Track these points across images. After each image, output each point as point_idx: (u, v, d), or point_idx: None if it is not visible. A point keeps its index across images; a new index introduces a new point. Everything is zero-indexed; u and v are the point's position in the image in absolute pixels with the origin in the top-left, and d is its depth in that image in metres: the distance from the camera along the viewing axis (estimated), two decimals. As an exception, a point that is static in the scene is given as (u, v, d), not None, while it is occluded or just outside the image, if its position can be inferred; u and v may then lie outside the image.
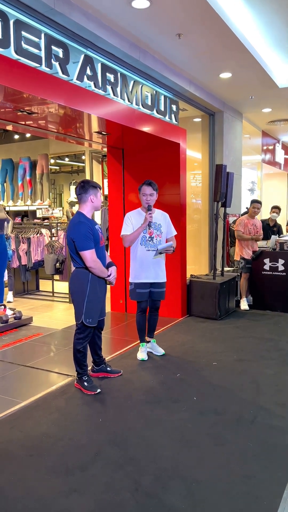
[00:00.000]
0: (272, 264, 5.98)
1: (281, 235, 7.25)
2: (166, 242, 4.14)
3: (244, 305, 6.15)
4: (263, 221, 7.65)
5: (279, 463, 2.46)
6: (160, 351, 4.30)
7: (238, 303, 6.23)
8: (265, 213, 9.04)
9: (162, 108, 5.50)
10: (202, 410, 3.11)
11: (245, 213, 6.93)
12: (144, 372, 3.85)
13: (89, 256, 3.26)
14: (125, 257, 5.84)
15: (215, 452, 2.58)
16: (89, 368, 3.70)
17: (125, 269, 5.86)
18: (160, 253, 4.04)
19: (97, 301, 3.40)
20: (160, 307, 4.30)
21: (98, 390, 3.40)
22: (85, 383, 3.43)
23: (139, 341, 4.27)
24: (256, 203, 6.19)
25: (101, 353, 3.74)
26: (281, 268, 5.93)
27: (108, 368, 3.76)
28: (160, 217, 4.13)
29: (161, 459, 2.50)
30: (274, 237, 6.33)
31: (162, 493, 2.20)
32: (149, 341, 4.35)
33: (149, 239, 4.00)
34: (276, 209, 7.48)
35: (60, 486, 2.27)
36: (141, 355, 4.15)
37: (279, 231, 7.46)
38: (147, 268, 4.02)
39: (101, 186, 7.89)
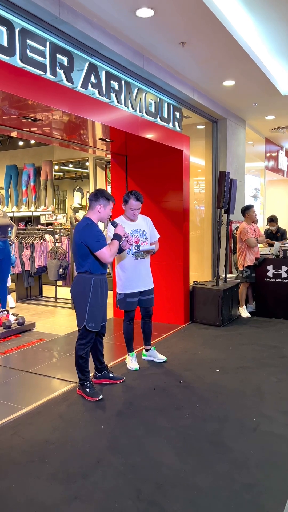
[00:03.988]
0: (275, 271, 5.97)
1: (285, 240, 7.32)
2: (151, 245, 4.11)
3: (244, 313, 6.13)
4: (265, 230, 7.71)
5: (282, 471, 2.44)
6: (161, 358, 4.28)
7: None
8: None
9: (165, 115, 5.53)
10: (205, 417, 3.10)
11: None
12: (146, 379, 3.84)
13: (107, 251, 3.30)
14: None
15: (218, 460, 2.56)
16: (91, 374, 3.69)
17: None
18: (141, 253, 3.97)
19: (99, 306, 3.41)
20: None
21: (100, 397, 3.39)
22: (87, 390, 3.43)
23: (135, 348, 4.22)
24: (252, 207, 6.20)
25: (103, 359, 3.73)
26: (284, 275, 5.91)
27: (110, 375, 3.75)
28: (144, 223, 4.07)
29: (163, 467, 2.49)
30: (277, 244, 6.33)
31: (164, 501, 2.19)
32: (149, 349, 4.34)
33: (136, 247, 3.95)
34: (272, 222, 7.64)
35: (61, 493, 2.26)
36: (133, 364, 4.09)
37: (282, 236, 7.51)
38: (137, 278, 3.98)
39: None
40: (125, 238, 3.55)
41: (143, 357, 4.36)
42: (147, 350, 4.35)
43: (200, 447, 2.70)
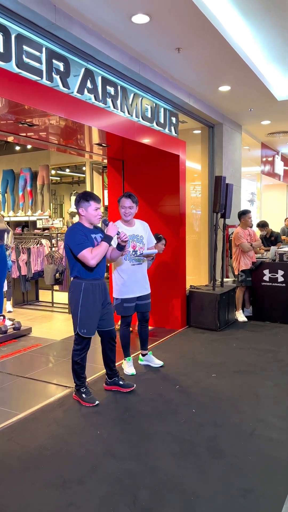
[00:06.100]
0: (271, 275, 5.98)
1: (279, 243, 7.36)
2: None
3: (241, 317, 6.13)
4: (260, 236, 7.78)
5: (279, 476, 2.44)
6: (157, 362, 4.27)
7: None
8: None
9: (161, 121, 5.55)
10: (201, 422, 3.09)
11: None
12: (143, 384, 3.83)
13: (88, 254, 3.17)
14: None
15: (214, 465, 2.56)
16: (100, 381, 3.66)
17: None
18: (138, 258, 3.95)
19: (91, 312, 3.33)
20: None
21: (97, 402, 3.37)
22: (83, 395, 3.41)
23: (132, 353, 4.21)
24: (248, 213, 6.23)
25: (114, 366, 3.67)
26: (280, 279, 5.92)
27: (121, 382, 3.67)
28: (141, 228, 4.05)
29: (159, 472, 2.48)
30: (273, 248, 6.35)
31: (160, 507, 2.18)
32: (145, 354, 4.33)
33: (133, 253, 3.93)
34: (259, 227, 7.73)
35: (57, 499, 2.25)
36: (130, 369, 4.07)
37: (276, 239, 7.57)
38: (134, 283, 3.96)
39: (101, 197, 7.94)
40: (118, 236, 3.41)
41: (139, 361, 4.35)
42: (143, 355, 4.34)
43: (197, 452, 2.69)
